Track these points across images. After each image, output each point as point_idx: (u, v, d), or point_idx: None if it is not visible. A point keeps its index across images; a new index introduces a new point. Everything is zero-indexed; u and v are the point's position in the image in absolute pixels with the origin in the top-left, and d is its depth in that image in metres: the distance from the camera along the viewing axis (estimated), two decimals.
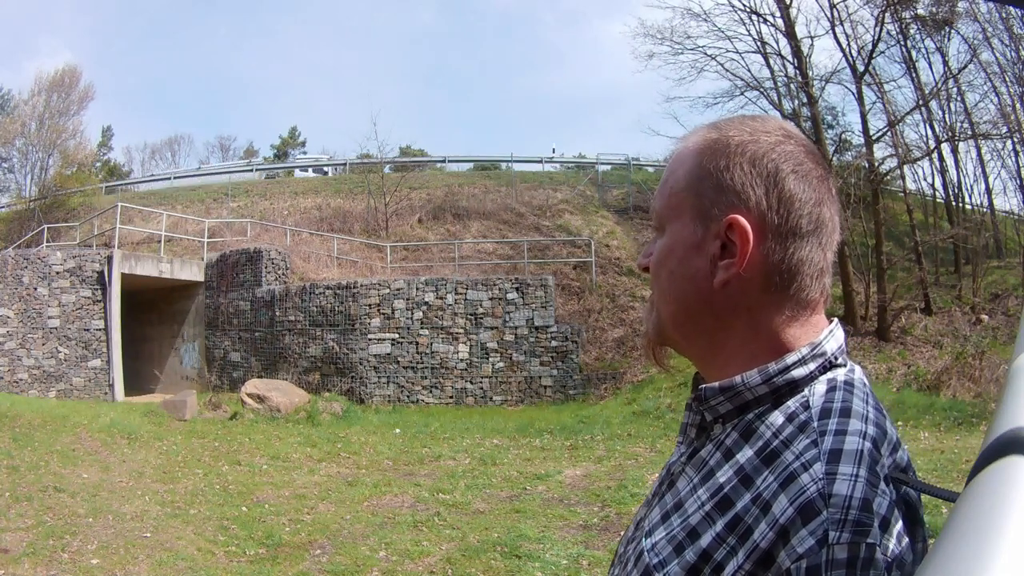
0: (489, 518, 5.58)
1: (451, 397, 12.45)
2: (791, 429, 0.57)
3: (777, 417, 0.59)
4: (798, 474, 0.53)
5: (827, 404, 0.58)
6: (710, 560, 0.55)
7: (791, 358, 0.61)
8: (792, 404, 0.60)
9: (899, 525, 0.51)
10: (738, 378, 0.62)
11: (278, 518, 5.64)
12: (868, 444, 0.54)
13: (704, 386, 0.65)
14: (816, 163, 0.66)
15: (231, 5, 75.54)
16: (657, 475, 0.74)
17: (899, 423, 8.79)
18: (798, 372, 0.61)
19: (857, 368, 0.64)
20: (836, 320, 0.67)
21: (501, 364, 12.61)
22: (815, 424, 0.56)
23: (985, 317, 13.36)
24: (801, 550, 0.49)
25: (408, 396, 12.49)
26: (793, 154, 0.65)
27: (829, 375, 0.62)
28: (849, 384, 0.61)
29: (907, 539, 0.51)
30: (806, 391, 0.60)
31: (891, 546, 0.49)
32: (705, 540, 0.57)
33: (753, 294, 0.63)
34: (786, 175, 0.64)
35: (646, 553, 0.62)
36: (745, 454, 0.59)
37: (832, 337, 0.64)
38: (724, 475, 0.59)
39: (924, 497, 0.57)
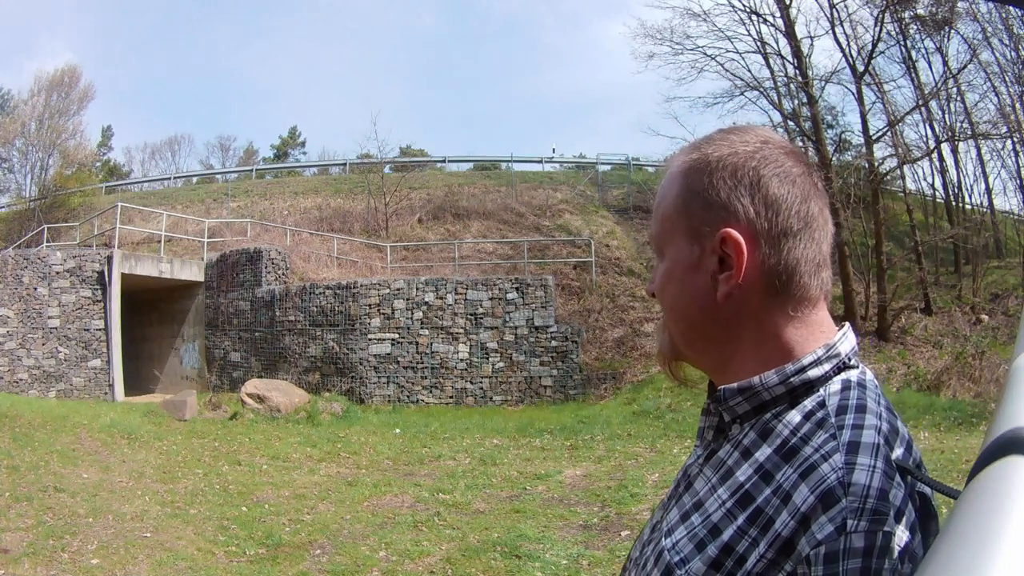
0: (489, 518, 5.58)
1: (451, 397, 12.45)
2: (809, 426, 0.59)
3: (794, 416, 0.61)
4: (818, 464, 0.55)
5: (843, 402, 0.60)
6: (732, 552, 0.57)
7: (807, 359, 0.63)
8: (809, 403, 0.61)
9: (912, 517, 0.52)
10: (756, 379, 0.63)
11: (278, 518, 5.64)
12: (882, 439, 0.56)
13: (723, 387, 0.66)
14: (797, 161, 0.67)
15: (231, 5, 75.44)
16: (674, 478, 0.75)
17: None
18: (814, 372, 0.62)
19: (868, 371, 0.66)
20: (847, 323, 0.68)
21: (501, 364, 12.60)
22: (832, 420, 0.58)
23: (985, 317, 13.36)
24: (820, 536, 0.51)
25: (408, 396, 12.49)
26: (771, 157, 0.66)
27: (843, 376, 0.63)
28: (862, 385, 0.62)
29: (919, 533, 0.52)
30: (821, 391, 0.62)
31: (904, 537, 0.50)
32: (727, 534, 0.58)
33: (756, 301, 0.65)
34: (768, 179, 0.65)
35: (666, 552, 0.63)
36: (764, 452, 0.60)
37: (845, 339, 0.65)
38: (744, 474, 0.61)
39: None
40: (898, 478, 0.53)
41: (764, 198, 0.65)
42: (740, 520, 0.58)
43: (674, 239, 0.70)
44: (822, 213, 0.67)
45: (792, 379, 0.62)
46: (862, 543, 0.50)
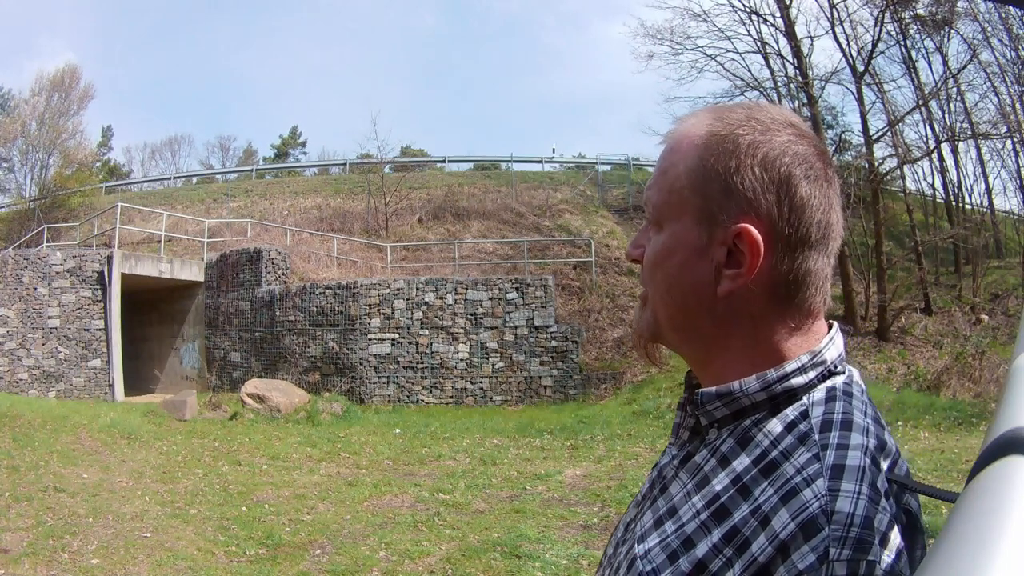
0: (489, 518, 5.58)
1: (451, 397, 12.45)
2: (790, 440, 0.56)
3: (775, 426, 0.58)
4: (800, 489, 0.52)
5: (827, 416, 0.57)
6: (705, 570, 0.54)
7: (790, 366, 0.60)
8: (791, 413, 0.58)
9: (898, 540, 0.50)
10: (736, 384, 0.60)
11: (278, 518, 5.64)
12: (869, 459, 0.53)
13: (701, 391, 0.62)
14: (825, 163, 0.63)
15: (231, 5, 75.44)
16: (647, 475, 0.72)
17: (899, 423, 8.79)
18: (797, 380, 0.59)
19: (855, 373, 0.63)
20: (836, 325, 0.65)
21: (501, 364, 12.61)
22: (816, 437, 0.55)
23: (985, 317, 13.37)
24: (801, 566, 0.49)
25: (408, 396, 12.49)
26: (805, 156, 0.61)
27: (828, 384, 0.60)
28: (848, 394, 0.59)
29: (905, 554, 0.51)
30: (805, 400, 0.59)
31: (889, 561, 0.49)
32: (701, 550, 0.55)
33: (757, 304, 0.61)
34: (799, 180, 0.60)
35: (639, 560, 0.60)
36: (742, 462, 0.57)
37: (832, 345, 0.62)
38: (720, 483, 0.58)
39: (922, 498, 0.56)
40: (883, 502, 0.51)
41: (791, 200, 0.60)
42: (715, 536, 0.55)
43: (681, 215, 0.64)
44: (838, 223, 0.63)
45: (774, 386, 0.59)
46: (844, 571, 0.48)
